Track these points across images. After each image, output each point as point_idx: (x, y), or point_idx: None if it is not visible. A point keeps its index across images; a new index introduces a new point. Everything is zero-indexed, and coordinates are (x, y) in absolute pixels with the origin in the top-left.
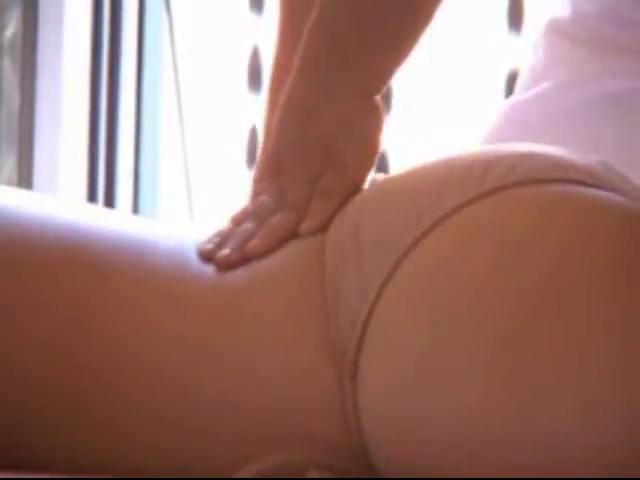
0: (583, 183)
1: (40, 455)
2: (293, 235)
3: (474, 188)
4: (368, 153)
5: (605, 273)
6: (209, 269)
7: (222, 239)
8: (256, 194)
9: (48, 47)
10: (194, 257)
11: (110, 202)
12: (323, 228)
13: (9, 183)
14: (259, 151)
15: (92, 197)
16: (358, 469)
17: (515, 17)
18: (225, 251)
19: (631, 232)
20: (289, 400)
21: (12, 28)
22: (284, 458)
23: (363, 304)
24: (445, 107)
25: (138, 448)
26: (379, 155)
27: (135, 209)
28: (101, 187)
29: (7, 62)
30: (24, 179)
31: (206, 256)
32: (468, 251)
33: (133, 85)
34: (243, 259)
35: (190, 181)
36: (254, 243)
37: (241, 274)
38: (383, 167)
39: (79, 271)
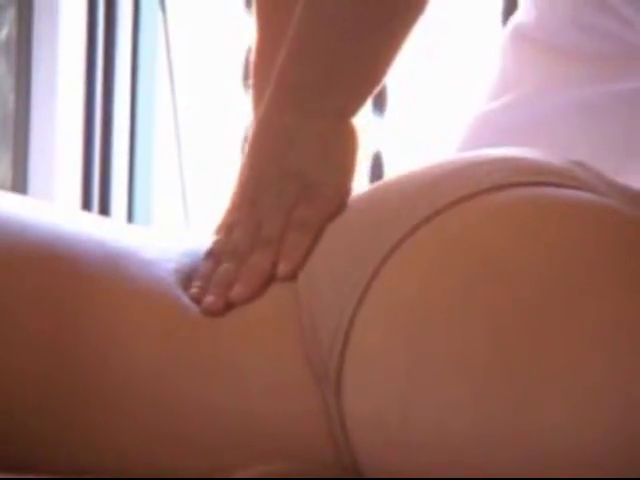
0: (561, 185)
1: (34, 455)
2: (272, 276)
3: (448, 195)
4: (344, 181)
5: (594, 276)
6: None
7: (205, 282)
8: (227, 224)
9: (43, 47)
10: (175, 270)
11: (105, 201)
12: (300, 265)
13: (3, 184)
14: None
15: (87, 196)
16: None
17: (509, 14)
18: (210, 298)
19: (614, 232)
20: (275, 416)
21: (7, 28)
22: (273, 467)
23: (341, 320)
24: (440, 107)
25: (122, 450)
26: (354, 181)
27: (130, 206)
28: (96, 186)
29: (2, 63)
30: (19, 180)
31: (192, 301)
32: (446, 259)
33: (128, 84)
34: (227, 306)
35: (185, 180)
36: (238, 290)
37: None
38: (378, 169)
39: (64, 276)
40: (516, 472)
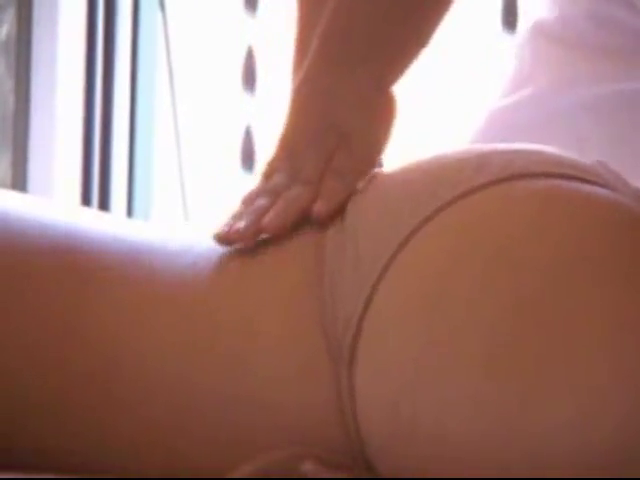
0: (581, 179)
1: (35, 456)
2: (306, 214)
3: (467, 182)
4: (382, 137)
5: (606, 273)
6: (204, 270)
7: (237, 219)
8: (267, 174)
9: (43, 47)
10: (189, 258)
11: (104, 201)
12: (336, 210)
13: (3, 184)
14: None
15: (86, 196)
16: (356, 467)
17: (509, 17)
18: (240, 224)
19: (627, 230)
20: (285, 401)
21: (6, 28)
22: (281, 455)
23: (357, 302)
24: (438, 106)
25: (133, 447)
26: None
27: (129, 207)
28: (95, 187)
29: (1, 63)
30: (18, 180)
31: (223, 237)
32: (462, 248)
33: (127, 83)
34: (258, 232)
35: (184, 180)
36: (270, 217)
37: (237, 274)
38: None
39: (72, 274)
40: (521, 471)
